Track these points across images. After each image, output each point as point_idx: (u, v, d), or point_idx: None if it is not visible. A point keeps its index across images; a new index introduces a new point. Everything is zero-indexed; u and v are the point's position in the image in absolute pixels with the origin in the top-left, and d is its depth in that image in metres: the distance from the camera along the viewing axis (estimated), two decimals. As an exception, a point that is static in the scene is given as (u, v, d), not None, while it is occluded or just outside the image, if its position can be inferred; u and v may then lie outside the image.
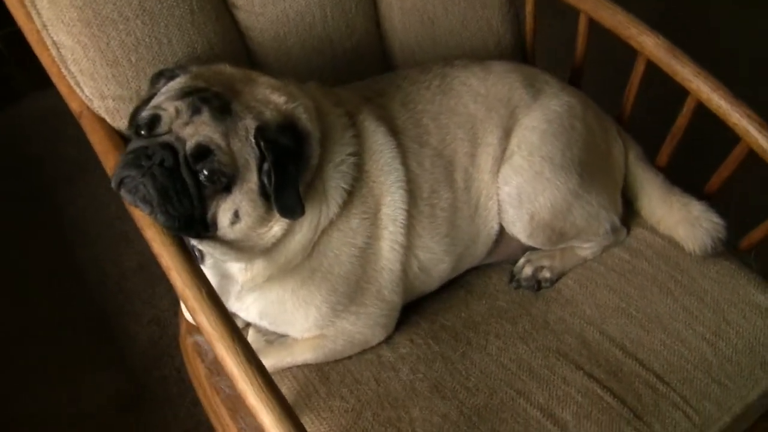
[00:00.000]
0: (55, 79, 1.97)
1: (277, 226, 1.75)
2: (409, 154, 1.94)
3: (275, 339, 2.00)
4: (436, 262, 2.00)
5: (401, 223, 1.90)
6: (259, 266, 1.82)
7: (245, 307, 1.93)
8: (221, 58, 1.99)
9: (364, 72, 2.20)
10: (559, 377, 1.89)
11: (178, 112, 1.65)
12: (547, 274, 2.10)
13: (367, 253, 1.89)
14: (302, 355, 1.95)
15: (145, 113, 1.69)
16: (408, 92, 2.03)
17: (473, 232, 2.04)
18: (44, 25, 1.86)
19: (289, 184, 1.67)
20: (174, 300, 3.00)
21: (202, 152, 1.62)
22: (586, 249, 2.14)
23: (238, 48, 2.08)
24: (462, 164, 2.00)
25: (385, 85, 2.06)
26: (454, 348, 1.96)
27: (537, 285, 2.09)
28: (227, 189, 1.64)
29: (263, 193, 1.68)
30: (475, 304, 2.07)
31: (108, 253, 3.17)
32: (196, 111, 1.64)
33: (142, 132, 1.68)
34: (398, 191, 1.90)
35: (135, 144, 1.68)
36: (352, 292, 1.90)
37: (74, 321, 2.99)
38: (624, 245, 2.17)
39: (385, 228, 1.90)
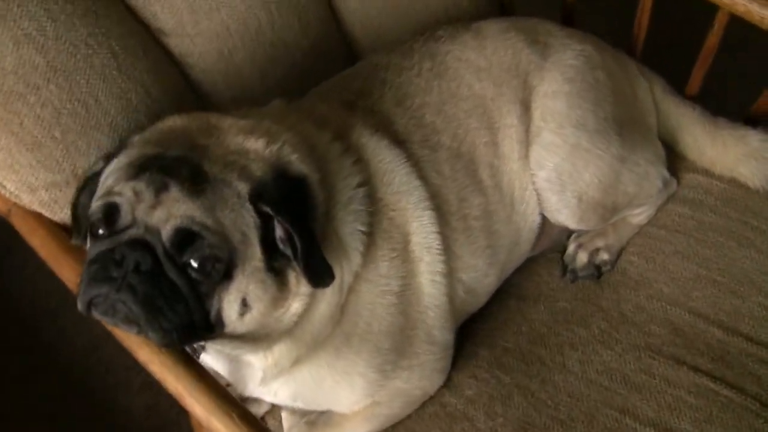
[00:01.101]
0: (-36, 180, 1.53)
1: (297, 303, 1.34)
2: (424, 163, 1.54)
3: (316, 417, 1.62)
4: (480, 278, 1.63)
5: (437, 249, 1.51)
6: (281, 350, 1.42)
7: (272, 392, 1.53)
8: (162, 103, 1.57)
9: (328, 71, 1.75)
10: (661, 380, 1.54)
11: (137, 194, 1.24)
12: (605, 256, 1.74)
13: (406, 296, 1.50)
14: (356, 431, 1.60)
15: (95, 206, 1.27)
16: (397, 85, 1.61)
17: (513, 232, 1.66)
18: (-64, 122, 1.42)
19: (315, 247, 1.28)
20: (163, 358, 2.59)
21: (185, 238, 1.21)
22: (639, 215, 1.78)
23: (179, 83, 1.64)
24: (485, 159, 1.61)
25: (364, 83, 1.64)
26: (528, 374, 1.60)
27: (596, 272, 1.73)
28: (227, 276, 1.24)
29: (271, 268, 1.29)
30: (532, 313, 1.70)
31: (73, 324, 2.68)
32: (161, 187, 1.23)
33: (100, 231, 1.27)
34: (425, 213, 1.50)
35: (95, 249, 1.26)
36: (398, 345, 1.51)
37: (58, 404, 2.54)
38: (678, 198, 1.81)
39: (420, 260, 1.51)
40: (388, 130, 1.55)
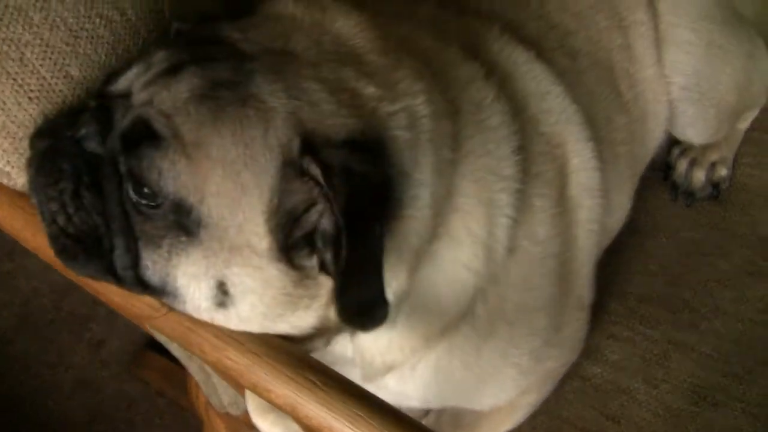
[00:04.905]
0: None
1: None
2: (569, 78, 1.13)
3: (436, 418, 1.19)
4: (621, 218, 1.27)
5: (597, 189, 1.12)
6: (382, 344, 0.98)
7: (377, 388, 1.09)
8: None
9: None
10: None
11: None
12: (722, 171, 1.40)
13: (564, 257, 1.10)
14: (496, 430, 1.20)
15: None
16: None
17: (644, 155, 1.31)
18: None
19: (373, 262, 0.80)
20: (93, 344, 1.98)
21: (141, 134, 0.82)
22: (747, 119, 1.45)
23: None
24: (621, 66, 1.22)
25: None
26: (678, 324, 1.26)
27: (715, 190, 1.40)
28: (185, 229, 0.84)
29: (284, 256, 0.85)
30: (654, 247, 1.35)
31: None
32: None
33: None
34: (587, 144, 1.10)
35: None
36: (553, 319, 1.12)
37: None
38: None
39: (580, 207, 1.11)
40: (518, 36, 1.11)
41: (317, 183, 0.78)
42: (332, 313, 0.87)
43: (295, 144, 0.77)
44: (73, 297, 2.02)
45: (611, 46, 1.21)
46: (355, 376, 1.03)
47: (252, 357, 0.89)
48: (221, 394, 1.35)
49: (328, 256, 0.79)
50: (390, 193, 0.81)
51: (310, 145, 0.77)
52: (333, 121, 0.79)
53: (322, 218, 0.79)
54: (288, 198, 0.79)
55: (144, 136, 0.78)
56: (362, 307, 0.81)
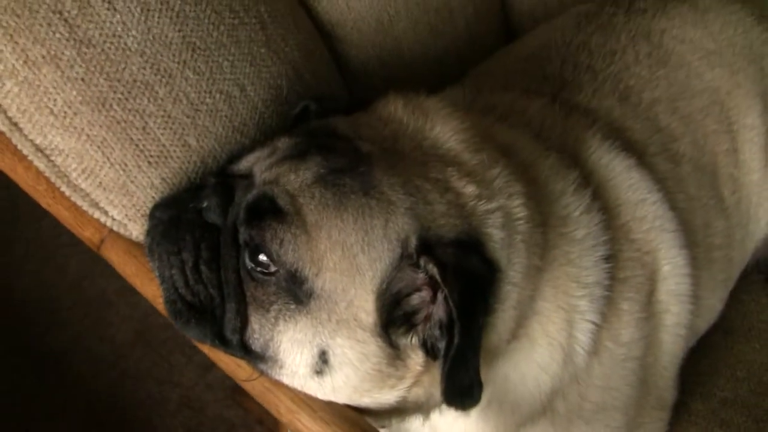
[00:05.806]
0: (43, 200, 1.00)
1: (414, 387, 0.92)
2: (670, 184, 1.11)
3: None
4: (711, 320, 1.23)
5: (687, 295, 1.09)
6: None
7: None
8: (314, 90, 1.08)
9: (484, 46, 1.31)
10: None
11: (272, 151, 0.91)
12: (825, 279, 1.36)
13: (647, 360, 1.08)
14: None
15: None
16: (612, 75, 1.16)
17: (743, 258, 1.26)
18: (14, 125, 0.89)
19: (474, 351, 0.85)
20: (202, 367, 2.06)
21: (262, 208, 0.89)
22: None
23: (329, 63, 1.13)
24: (726, 170, 1.19)
25: (561, 68, 1.18)
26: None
27: (817, 300, 1.35)
28: (294, 296, 0.90)
29: (383, 333, 0.91)
30: (746, 352, 1.29)
31: (90, 329, 2.13)
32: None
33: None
34: (680, 252, 1.07)
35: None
36: (630, 419, 1.09)
37: (76, 427, 1.98)
38: None
39: (667, 312, 1.08)
40: (622, 139, 1.10)
41: (430, 277, 0.83)
42: (411, 395, 0.92)
43: (413, 241, 0.83)
44: (187, 318, 2.09)
45: (717, 150, 1.17)
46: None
47: (321, 424, 0.93)
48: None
49: (442, 344, 0.83)
50: (493, 289, 0.86)
51: (425, 242, 0.83)
52: (444, 221, 0.84)
53: (434, 307, 0.85)
54: (396, 283, 0.84)
55: (268, 210, 0.84)
56: (463, 388, 0.84)
